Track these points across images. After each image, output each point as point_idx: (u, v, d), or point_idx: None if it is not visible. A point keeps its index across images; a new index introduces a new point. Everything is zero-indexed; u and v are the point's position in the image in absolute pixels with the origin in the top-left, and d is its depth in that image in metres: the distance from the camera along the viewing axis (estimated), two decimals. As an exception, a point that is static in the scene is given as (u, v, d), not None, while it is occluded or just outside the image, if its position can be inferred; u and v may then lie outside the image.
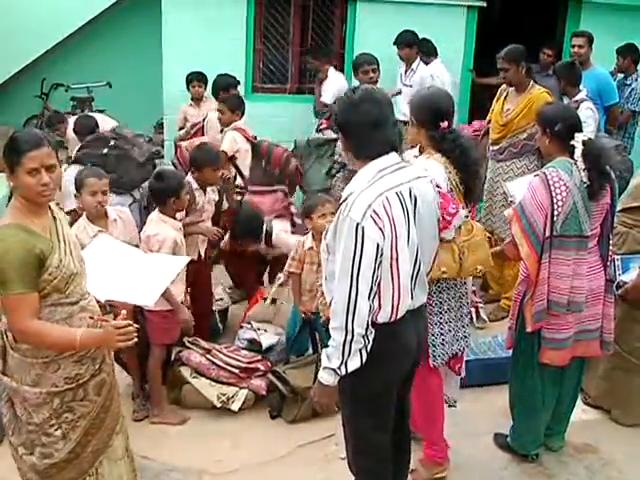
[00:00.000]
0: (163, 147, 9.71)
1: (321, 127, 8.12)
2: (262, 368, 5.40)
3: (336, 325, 3.21)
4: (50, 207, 3.38)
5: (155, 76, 9.50)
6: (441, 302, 4.20)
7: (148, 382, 5.27)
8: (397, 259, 3.25)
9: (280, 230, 6.40)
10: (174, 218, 5.19)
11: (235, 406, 5.22)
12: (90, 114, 8.45)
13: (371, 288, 3.18)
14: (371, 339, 3.24)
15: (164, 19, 9.14)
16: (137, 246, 5.20)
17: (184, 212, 5.49)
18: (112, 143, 6.32)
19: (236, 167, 6.74)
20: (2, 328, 3.33)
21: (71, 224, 4.62)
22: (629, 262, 4.87)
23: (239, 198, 6.54)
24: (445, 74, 8.36)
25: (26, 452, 3.41)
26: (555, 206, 4.11)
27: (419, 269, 3.42)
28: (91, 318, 3.39)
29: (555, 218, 4.13)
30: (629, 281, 4.77)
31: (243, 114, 6.98)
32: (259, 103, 8.92)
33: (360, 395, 3.45)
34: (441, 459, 4.56)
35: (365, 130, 3.28)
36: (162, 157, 9.92)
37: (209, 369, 5.31)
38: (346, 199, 3.25)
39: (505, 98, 6.57)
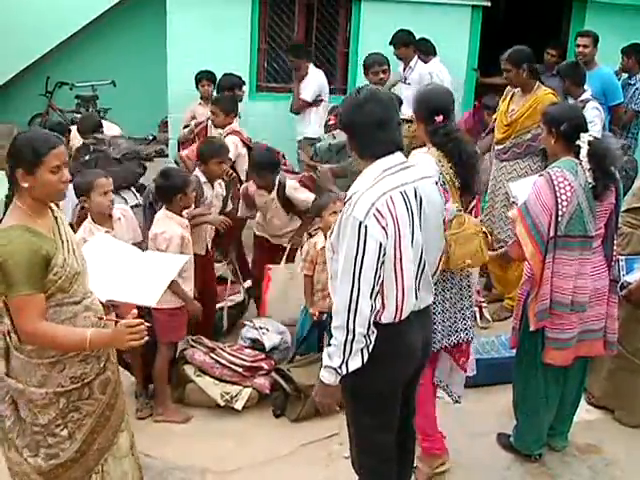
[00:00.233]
0: (167, 145, 9.75)
1: (329, 122, 8.12)
2: (266, 367, 5.40)
3: (338, 324, 3.21)
4: (50, 207, 3.39)
5: (159, 75, 9.53)
6: (436, 292, 4.17)
7: (153, 380, 5.28)
8: (401, 259, 3.25)
9: (291, 186, 6.31)
10: (180, 215, 5.20)
11: (239, 405, 5.23)
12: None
13: (373, 287, 3.18)
14: (373, 339, 3.24)
15: (169, 18, 9.16)
16: (140, 243, 5.24)
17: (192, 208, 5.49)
18: (92, 149, 6.55)
19: (235, 172, 6.71)
20: (4, 330, 3.31)
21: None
22: (633, 263, 4.85)
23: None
24: (444, 73, 8.35)
25: (31, 454, 3.38)
26: (559, 206, 4.11)
27: (423, 269, 3.41)
28: (100, 318, 3.39)
29: (559, 218, 4.13)
30: (633, 282, 4.76)
31: (236, 115, 6.95)
32: (263, 102, 8.95)
33: (364, 395, 3.45)
34: (439, 450, 4.56)
35: (370, 130, 3.29)
36: (166, 155, 9.98)
37: (213, 368, 5.32)
38: (350, 198, 3.25)
39: (511, 98, 6.56)
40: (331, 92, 8.95)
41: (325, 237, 5.36)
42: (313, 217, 5.59)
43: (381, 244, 3.15)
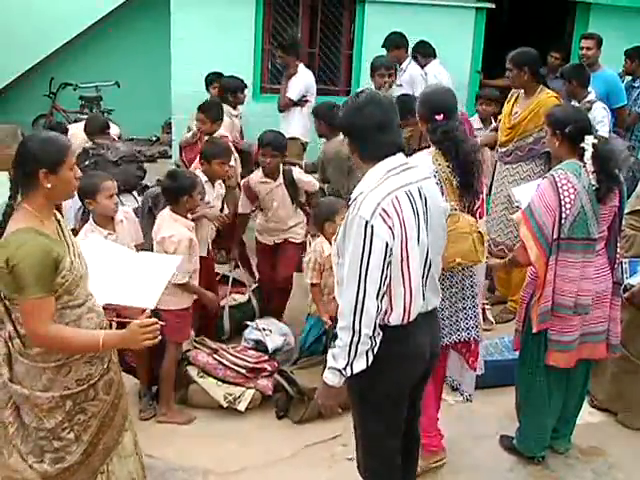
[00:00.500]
0: (171, 147, 9.76)
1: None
2: (269, 368, 5.41)
3: (343, 325, 3.20)
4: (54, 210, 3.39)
5: (163, 76, 9.55)
6: None
7: (159, 381, 5.28)
8: (407, 259, 3.25)
9: (296, 170, 6.30)
10: (185, 217, 5.20)
11: (242, 406, 5.23)
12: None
13: (379, 288, 3.16)
14: (378, 341, 3.22)
15: (172, 19, 9.18)
16: (142, 245, 5.25)
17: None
18: (91, 153, 6.57)
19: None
20: (4, 335, 3.28)
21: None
22: (636, 265, 4.85)
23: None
24: (443, 74, 8.33)
25: (36, 460, 3.36)
26: (563, 209, 4.11)
27: (429, 270, 3.41)
28: (113, 320, 3.39)
29: (563, 221, 4.13)
30: (636, 284, 4.76)
31: (222, 121, 6.93)
32: (267, 103, 8.95)
33: (372, 397, 3.43)
34: (436, 447, 4.58)
35: (370, 133, 3.30)
36: (170, 157, 9.98)
37: (216, 369, 5.32)
38: (355, 199, 3.25)
39: (515, 100, 6.56)
40: (335, 94, 8.96)
41: (328, 240, 5.37)
42: (323, 221, 5.53)
43: (387, 244, 3.15)
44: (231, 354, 5.39)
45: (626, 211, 4.71)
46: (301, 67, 8.48)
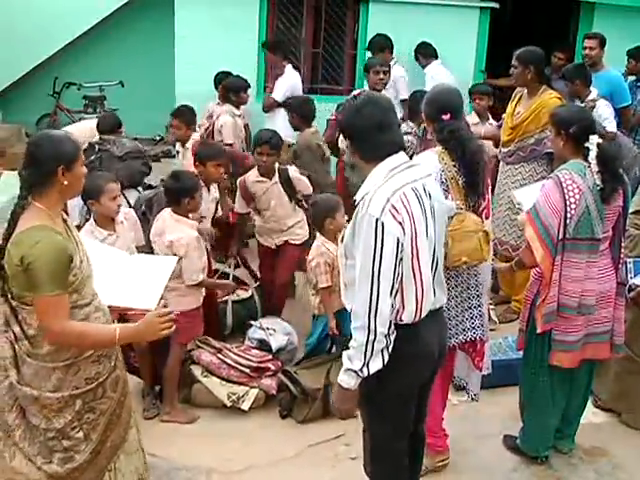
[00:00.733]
0: (174, 146, 9.74)
1: (330, 119, 8.09)
2: (273, 368, 5.41)
3: (358, 325, 3.17)
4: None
5: (167, 76, 9.55)
6: None
7: (163, 380, 5.29)
8: (417, 255, 3.25)
9: (292, 169, 6.31)
10: (187, 217, 5.20)
11: (245, 405, 5.23)
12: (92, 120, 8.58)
13: (393, 285, 3.15)
14: (392, 339, 3.21)
15: (176, 19, 9.20)
16: (142, 247, 5.25)
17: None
18: (97, 148, 6.56)
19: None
20: (10, 337, 3.27)
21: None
22: (641, 265, 4.85)
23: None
24: (443, 75, 8.30)
25: (45, 461, 3.35)
26: (568, 209, 4.11)
27: (437, 266, 3.42)
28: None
29: (568, 221, 4.12)
30: (641, 284, 4.76)
31: (195, 126, 6.89)
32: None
33: (381, 399, 3.40)
34: (441, 447, 4.58)
35: (370, 133, 3.30)
36: (173, 156, 9.97)
37: (220, 368, 5.32)
38: (363, 198, 3.24)
39: (519, 100, 6.55)
40: (338, 93, 8.96)
41: (329, 239, 5.36)
42: (323, 220, 5.52)
43: (399, 240, 3.14)
44: (235, 353, 5.39)
45: (630, 211, 4.71)
46: (288, 68, 8.46)
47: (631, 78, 8.51)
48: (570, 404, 4.66)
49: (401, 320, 3.28)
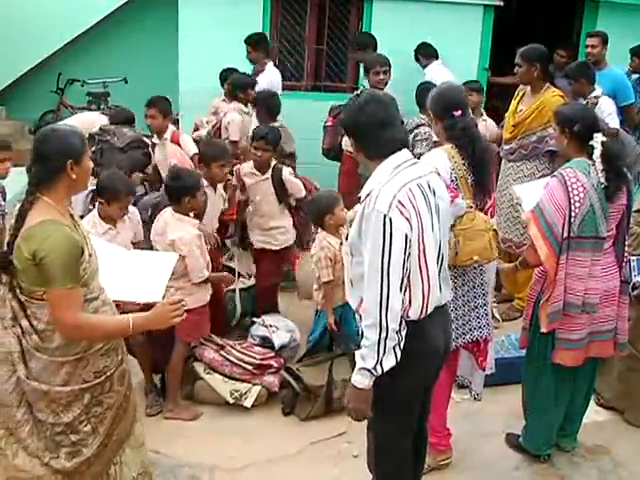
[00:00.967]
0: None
1: (327, 124, 8.08)
2: (275, 365, 5.41)
3: (369, 322, 3.16)
4: None
5: (171, 73, 9.54)
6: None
7: (167, 377, 5.30)
8: (424, 251, 3.25)
9: (287, 170, 6.26)
10: (188, 216, 5.20)
11: (248, 402, 5.23)
12: (92, 112, 8.63)
13: (402, 281, 3.15)
14: (403, 335, 3.20)
15: (180, 16, 9.17)
16: (139, 243, 5.31)
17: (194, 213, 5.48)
18: (97, 139, 6.52)
19: None
20: (18, 332, 3.28)
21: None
22: (644, 263, 4.85)
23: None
24: (443, 75, 8.20)
25: (53, 455, 3.36)
26: (572, 207, 4.10)
27: (442, 262, 3.42)
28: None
29: (572, 219, 4.12)
30: (644, 282, 4.76)
31: (172, 116, 6.80)
32: (274, 100, 8.92)
33: (388, 397, 3.38)
34: (444, 447, 4.60)
35: (374, 130, 3.30)
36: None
37: (222, 365, 5.33)
38: (368, 195, 3.24)
39: (521, 98, 6.55)
40: (342, 91, 8.94)
41: (331, 233, 5.36)
42: (322, 216, 5.52)
43: (407, 235, 3.14)
44: (238, 350, 5.39)
45: (634, 209, 4.70)
46: (269, 65, 8.36)
47: (634, 76, 8.50)
48: (573, 402, 4.66)
49: (408, 316, 3.27)
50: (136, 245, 5.25)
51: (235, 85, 7.70)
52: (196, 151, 6.44)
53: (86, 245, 3.29)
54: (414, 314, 3.30)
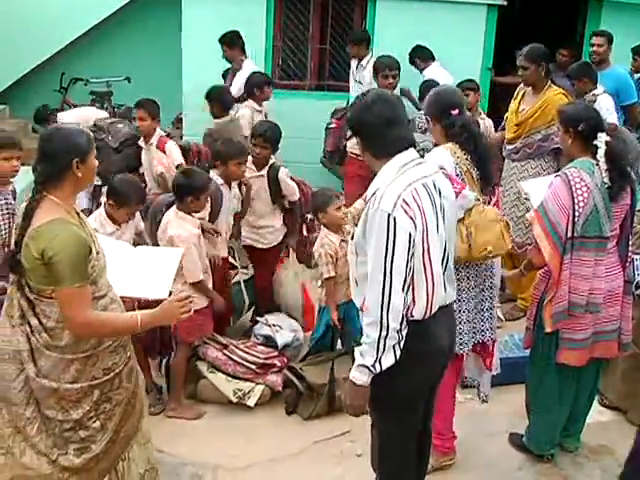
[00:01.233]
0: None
1: (330, 126, 8.08)
2: (279, 364, 5.41)
3: (370, 320, 3.18)
4: None
5: (174, 72, 9.55)
6: (459, 290, 4.19)
7: (170, 376, 5.32)
8: (428, 250, 3.25)
9: (284, 172, 6.26)
10: (192, 215, 5.20)
11: (251, 402, 5.24)
12: (88, 106, 8.67)
13: (405, 280, 3.16)
14: (404, 334, 3.21)
15: (184, 15, 9.19)
16: (142, 232, 5.37)
17: (210, 210, 5.51)
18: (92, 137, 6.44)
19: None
20: (26, 330, 3.29)
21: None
22: (647, 262, 4.84)
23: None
24: (442, 76, 8.22)
25: (62, 452, 3.38)
26: (576, 207, 4.10)
27: (447, 262, 3.42)
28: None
29: (576, 219, 4.12)
30: (648, 281, 4.75)
31: (159, 118, 6.72)
32: (278, 99, 8.93)
33: (393, 397, 3.40)
34: (448, 449, 4.60)
35: (380, 129, 3.31)
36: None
37: (226, 364, 5.33)
38: (373, 194, 3.25)
39: (522, 97, 6.54)
40: (346, 90, 8.92)
41: (332, 230, 5.36)
42: (316, 214, 5.53)
43: (410, 235, 3.15)
44: (241, 350, 5.40)
45: (637, 208, 4.69)
46: (246, 63, 8.32)
47: (637, 75, 8.48)
48: (577, 402, 4.65)
49: (412, 316, 3.28)
50: (138, 236, 5.32)
51: (252, 83, 7.70)
52: (182, 161, 6.36)
53: (93, 243, 3.30)
54: (418, 314, 3.30)
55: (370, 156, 3.41)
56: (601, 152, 4.14)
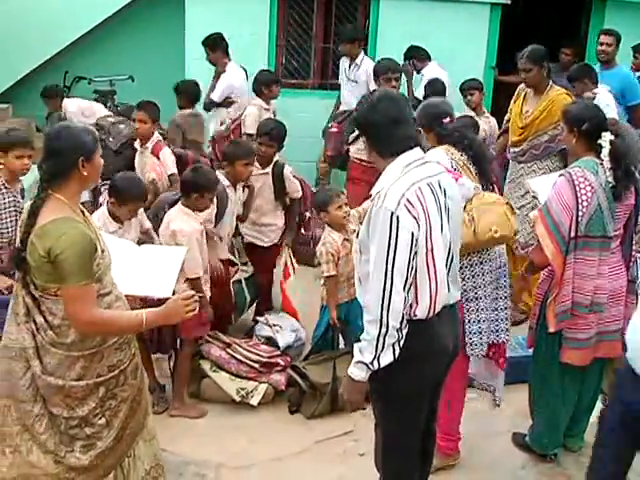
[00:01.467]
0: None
1: (331, 130, 8.07)
2: (282, 363, 5.41)
3: (370, 318, 3.19)
4: None
5: (178, 71, 9.54)
6: (475, 287, 4.20)
7: (174, 375, 5.32)
8: (432, 250, 3.26)
9: (289, 169, 6.26)
10: (195, 212, 5.19)
11: (254, 401, 5.24)
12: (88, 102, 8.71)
13: (406, 279, 3.16)
14: (404, 334, 3.22)
15: (187, 14, 9.19)
16: (149, 229, 5.36)
17: (216, 211, 5.50)
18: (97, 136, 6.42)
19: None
20: (32, 328, 3.30)
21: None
22: (651, 262, 4.83)
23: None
24: (441, 75, 8.22)
25: (68, 449, 3.38)
26: (580, 206, 4.10)
27: (452, 261, 3.42)
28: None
29: (580, 219, 4.12)
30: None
31: (159, 122, 6.68)
32: (281, 98, 8.93)
33: (396, 396, 3.41)
34: (452, 450, 4.60)
35: (386, 128, 3.32)
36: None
37: (229, 363, 5.33)
38: (378, 193, 3.26)
39: (524, 99, 6.51)
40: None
41: (335, 229, 5.36)
42: (318, 211, 5.55)
43: (413, 234, 3.15)
44: (244, 349, 5.39)
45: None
46: (230, 65, 8.19)
47: (638, 74, 8.46)
48: (580, 402, 4.65)
49: (415, 315, 3.28)
50: (144, 234, 5.32)
51: (260, 82, 7.69)
52: (174, 171, 6.21)
53: (98, 241, 3.31)
54: (422, 313, 3.30)
55: (376, 155, 3.41)
56: (605, 151, 4.15)
